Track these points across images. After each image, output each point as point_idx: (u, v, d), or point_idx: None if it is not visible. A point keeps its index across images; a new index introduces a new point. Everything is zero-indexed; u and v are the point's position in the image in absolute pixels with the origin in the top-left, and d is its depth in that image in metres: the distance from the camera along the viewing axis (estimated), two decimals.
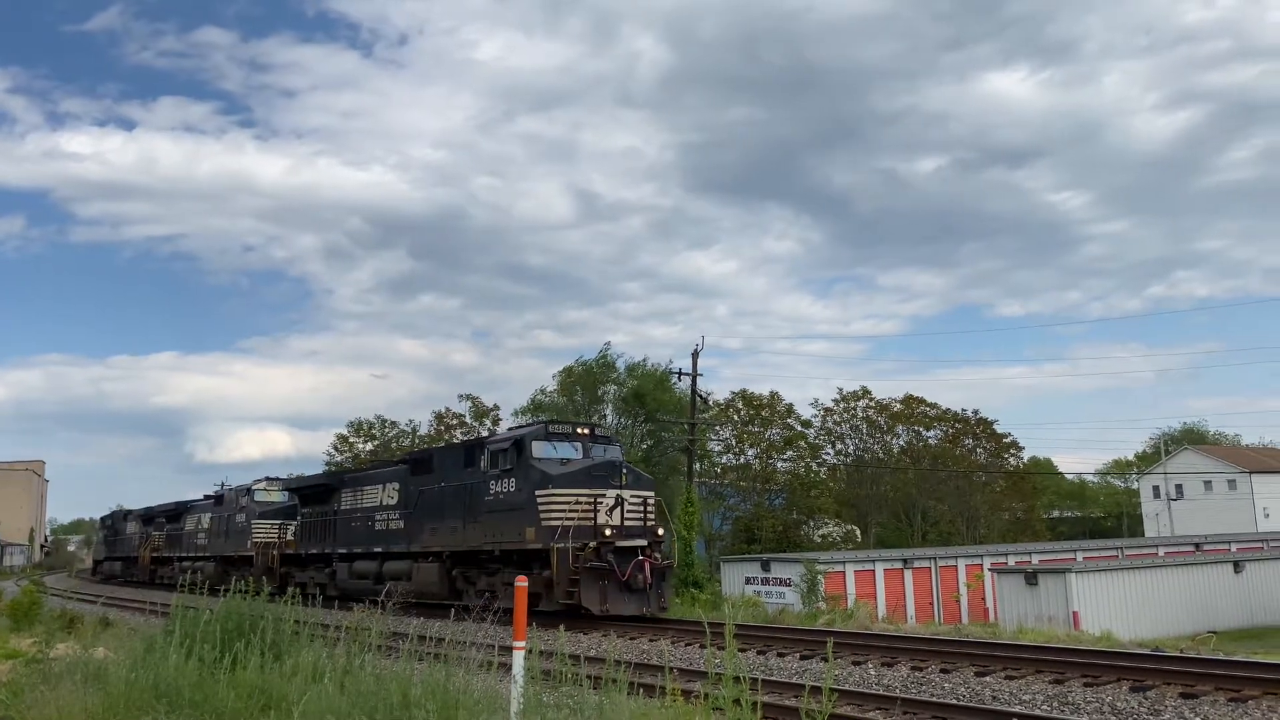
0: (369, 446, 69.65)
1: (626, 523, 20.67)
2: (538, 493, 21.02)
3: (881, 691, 12.00)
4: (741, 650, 14.02)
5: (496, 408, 70.19)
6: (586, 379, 55.29)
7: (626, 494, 21.03)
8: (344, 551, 29.50)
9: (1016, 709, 10.59)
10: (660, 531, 21.29)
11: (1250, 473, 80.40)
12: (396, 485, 27.50)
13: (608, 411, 56.14)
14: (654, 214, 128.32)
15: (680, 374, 46.75)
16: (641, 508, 21.39)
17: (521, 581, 8.86)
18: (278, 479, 44.27)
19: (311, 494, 33.53)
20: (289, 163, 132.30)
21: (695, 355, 44.20)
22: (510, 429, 25.68)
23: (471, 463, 24.07)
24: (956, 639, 16.14)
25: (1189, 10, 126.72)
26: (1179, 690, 10.70)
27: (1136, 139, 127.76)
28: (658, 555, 20.91)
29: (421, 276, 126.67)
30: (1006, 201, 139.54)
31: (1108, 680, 11.59)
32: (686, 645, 16.61)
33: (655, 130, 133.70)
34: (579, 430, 22.89)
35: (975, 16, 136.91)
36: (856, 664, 13.67)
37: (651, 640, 17.85)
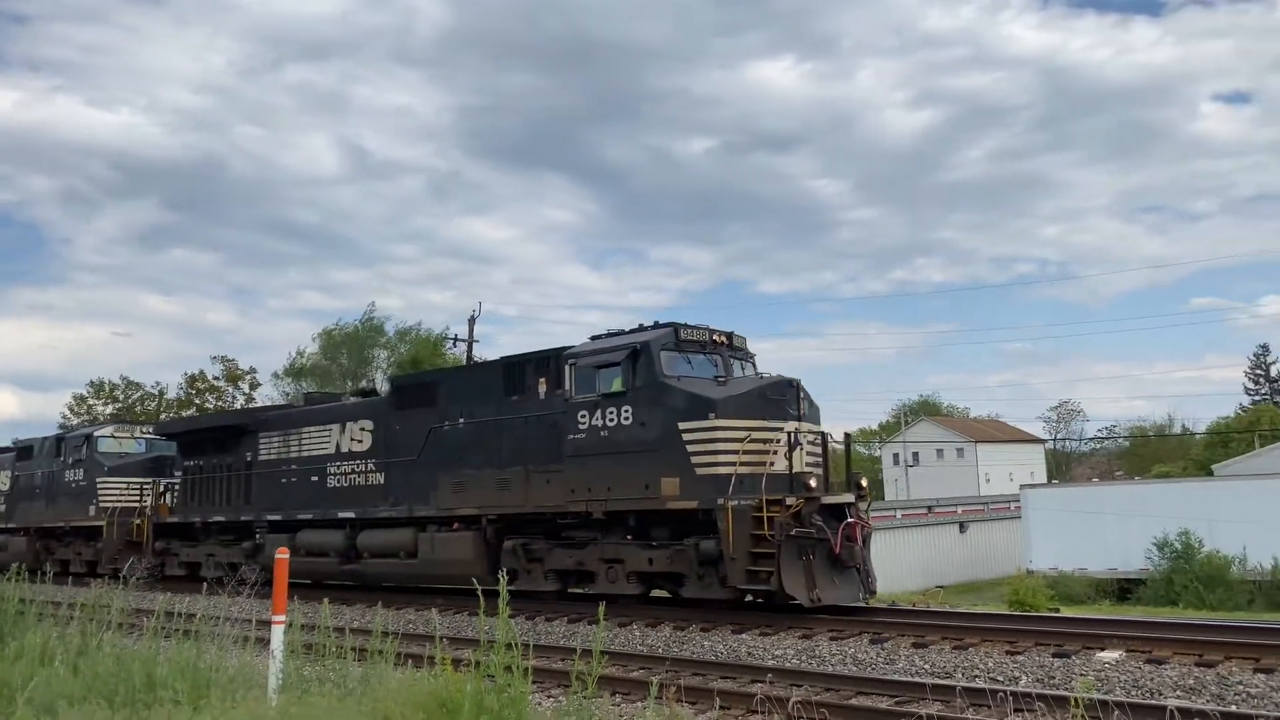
0: (110, 410, 64.08)
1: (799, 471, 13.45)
2: (686, 425, 13.36)
3: (646, 652, 11.74)
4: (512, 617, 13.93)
5: (254, 370, 66.25)
6: (352, 342, 53.14)
7: (805, 428, 13.90)
8: (277, 519, 19.97)
9: (769, 664, 11.34)
10: (864, 481, 14.47)
11: (975, 442, 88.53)
12: (367, 424, 18.68)
13: (378, 376, 54.21)
14: (430, 176, 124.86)
15: (456, 340, 45.64)
16: (820, 449, 14.25)
17: (283, 554, 7.76)
18: (134, 423, 33.27)
19: (202, 441, 23.17)
20: (20, 96, 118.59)
21: (472, 321, 41.56)
22: (600, 337, 15.54)
23: (518, 387, 15.83)
24: None
25: (934, 17, 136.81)
26: (911, 640, 11.15)
27: (886, 133, 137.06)
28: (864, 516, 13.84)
29: (174, 228, 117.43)
30: (770, 185, 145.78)
31: (850, 634, 11.76)
32: (455, 613, 15.62)
33: (433, 90, 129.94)
34: (715, 338, 14.92)
35: (746, 6, 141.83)
36: (622, 626, 13.37)
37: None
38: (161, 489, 24.72)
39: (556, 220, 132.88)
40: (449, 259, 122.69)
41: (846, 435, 14.91)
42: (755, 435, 13.26)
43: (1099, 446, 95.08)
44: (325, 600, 8.98)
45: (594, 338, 15.35)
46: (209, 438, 23.08)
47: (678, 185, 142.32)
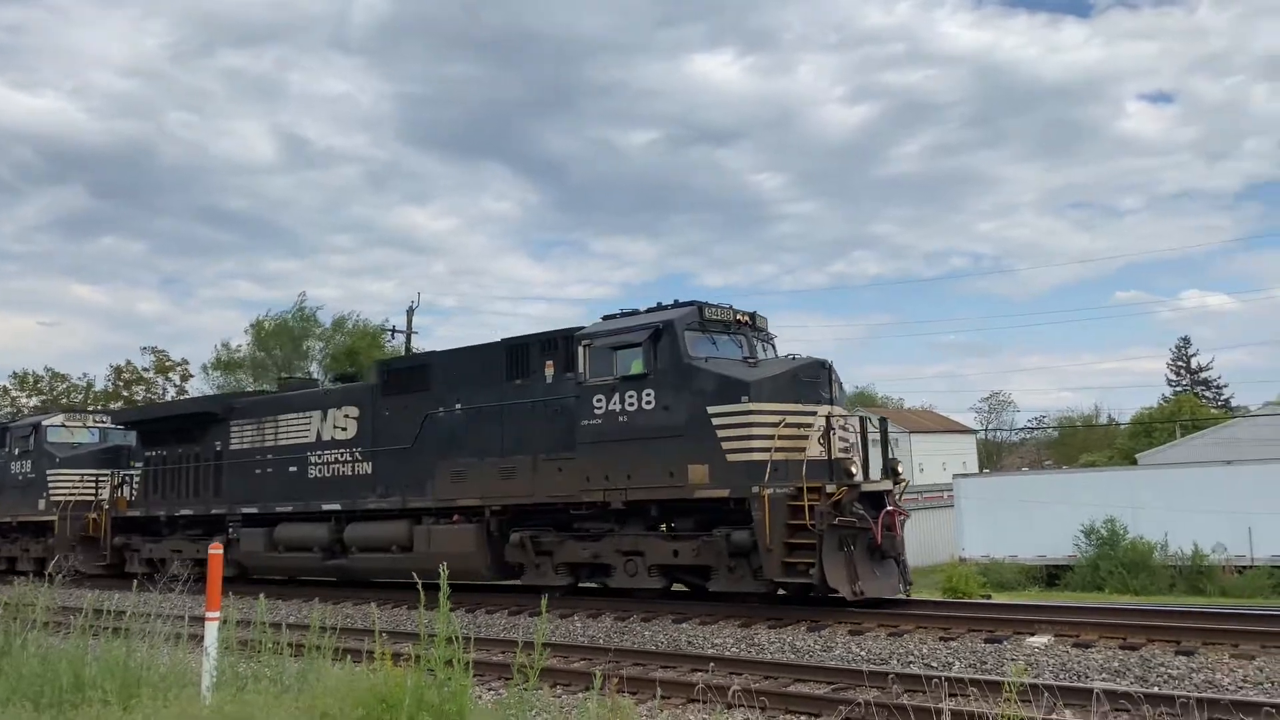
0: (34, 401, 62.08)
1: (837, 456, 12.85)
2: (716, 409, 12.63)
3: (588, 643, 11.76)
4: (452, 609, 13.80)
5: (185, 362, 64.65)
6: (281, 333, 51.72)
7: (837, 412, 13.28)
8: (253, 511, 18.75)
9: (710, 653, 11.43)
10: (900, 468, 13.79)
11: (910, 432, 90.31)
12: (351, 411, 17.54)
13: (314, 368, 53.12)
14: (368, 165, 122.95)
15: (395, 331, 45.26)
16: (857, 435, 13.51)
17: (216, 549, 7.66)
18: (86, 411, 30.82)
19: (165, 430, 21.59)
20: None
21: (410, 312, 40.89)
22: (614, 317, 14.64)
23: (522, 370, 14.89)
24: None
25: (872, 14, 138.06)
26: (848, 628, 11.33)
27: (825, 128, 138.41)
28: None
29: (102, 216, 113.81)
30: (711, 178, 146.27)
31: (789, 622, 11.86)
32: (406, 608, 16.13)
33: (371, 79, 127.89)
34: (739, 317, 14.14)
35: None
36: (564, 617, 13.26)
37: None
38: (119, 481, 23.04)
39: (497, 211, 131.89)
40: (387, 249, 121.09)
41: (883, 420, 14.08)
42: (790, 420, 12.50)
43: (1029, 436, 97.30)
44: (261, 595, 8.81)
45: (606, 317, 14.50)
46: (173, 426, 21.58)
47: (619, 177, 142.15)
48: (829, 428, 12.73)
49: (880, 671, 8.82)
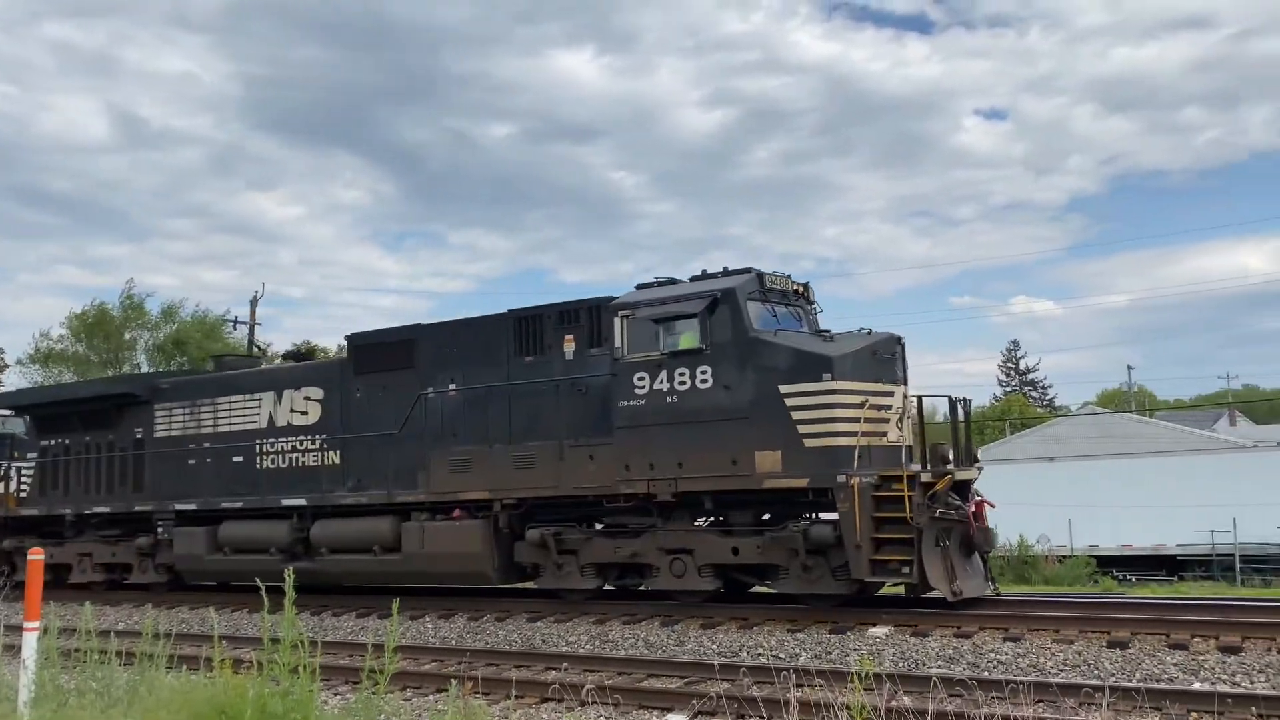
0: None
1: (934, 441, 11.75)
2: (790, 388, 11.18)
3: (439, 644, 11.57)
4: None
5: (2, 351, 60.23)
6: (104, 323, 48.33)
7: (909, 392, 12.23)
8: (189, 508, 16.20)
9: (564, 650, 11.49)
10: (979, 454, 12.59)
11: None
12: (313, 393, 15.39)
13: (141, 360, 50.10)
14: (211, 147, 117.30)
15: (237, 322, 43.32)
16: (919, 417, 12.14)
17: (36, 554, 7.03)
18: None
19: (68, 415, 18.58)
20: None
21: (254, 302, 39.17)
22: (649, 286, 12.93)
23: (535, 345, 13.31)
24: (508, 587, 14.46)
25: (728, 21, 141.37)
26: (700, 623, 11.47)
27: (683, 130, 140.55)
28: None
29: None
30: (570, 174, 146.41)
31: (642, 617, 11.92)
32: (233, 610, 14.82)
33: (215, 58, 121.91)
34: (795, 288, 12.82)
35: None
36: (414, 618, 13.01)
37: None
38: (4, 474, 19.71)
39: (348, 200, 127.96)
40: (230, 236, 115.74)
41: (966, 400, 12.41)
42: (872, 400, 11.32)
43: None
44: (87, 604, 8.26)
45: (641, 286, 12.88)
46: (78, 411, 18.62)
47: (476, 170, 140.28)
48: (918, 409, 11.71)
49: (731, 664, 9.00)
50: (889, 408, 11.63)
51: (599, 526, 13.00)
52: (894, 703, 7.19)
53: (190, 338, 44.74)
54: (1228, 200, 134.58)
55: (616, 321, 12.37)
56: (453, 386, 13.87)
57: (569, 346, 13.08)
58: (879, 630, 10.58)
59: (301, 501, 14.99)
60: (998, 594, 11.92)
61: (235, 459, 16.08)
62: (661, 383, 11.99)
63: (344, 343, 16.62)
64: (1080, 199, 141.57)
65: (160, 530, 16.66)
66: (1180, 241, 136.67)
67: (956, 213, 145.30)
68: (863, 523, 10.66)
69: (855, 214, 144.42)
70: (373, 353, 14.98)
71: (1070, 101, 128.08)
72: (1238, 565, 26.19)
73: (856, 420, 11.04)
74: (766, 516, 12.09)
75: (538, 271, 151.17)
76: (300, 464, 15.39)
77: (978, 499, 11.48)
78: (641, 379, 12.09)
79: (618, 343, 12.30)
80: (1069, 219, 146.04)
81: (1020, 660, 9.04)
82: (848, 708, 5.84)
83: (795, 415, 11.17)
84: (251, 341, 35.66)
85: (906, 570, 10.59)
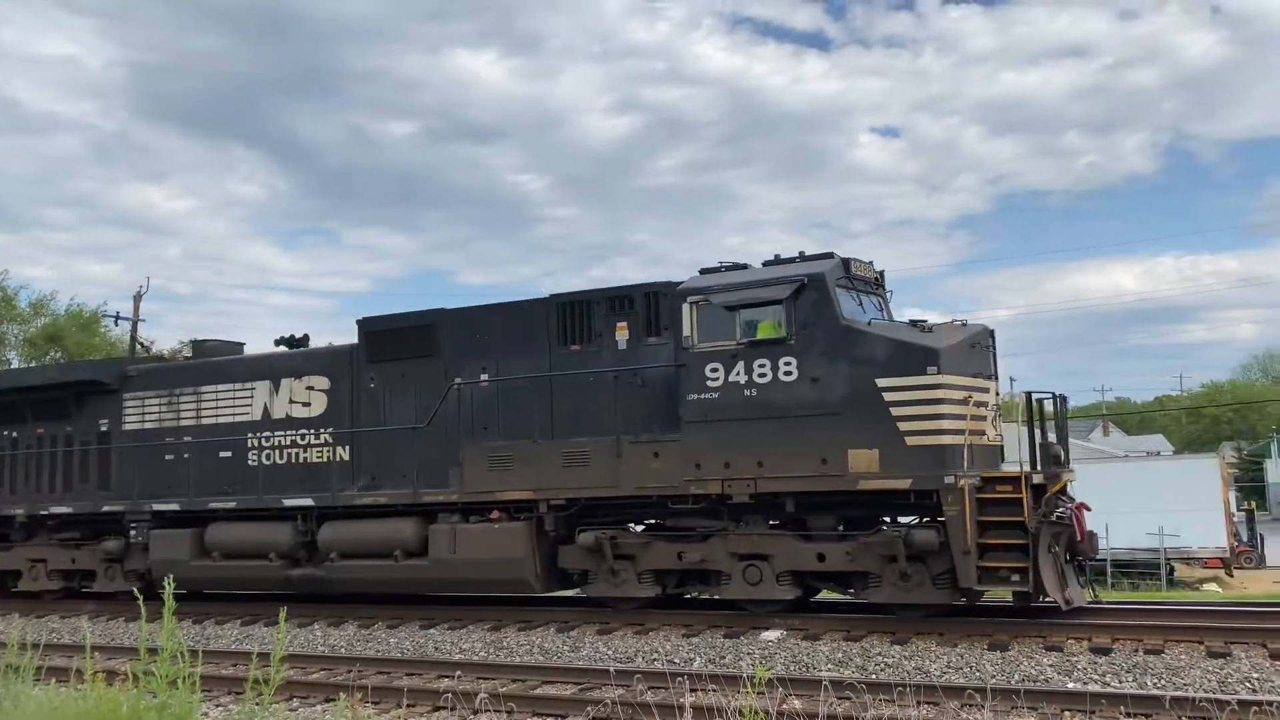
0: None
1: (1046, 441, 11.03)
2: (890, 382, 10.41)
3: (328, 652, 11.35)
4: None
5: None
6: None
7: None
8: (170, 509, 14.65)
9: (457, 658, 11.31)
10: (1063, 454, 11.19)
11: None
12: (318, 382, 14.15)
13: (12, 356, 47.43)
14: (95, 135, 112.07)
15: (118, 317, 41.47)
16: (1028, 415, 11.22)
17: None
18: None
19: (16, 404, 16.73)
20: None
21: (138, 298, 37.79)
22: (713, 270, 12.02)
23: (582, 333, 12.38)
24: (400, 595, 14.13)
25: (636, 30, 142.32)
26: (597, 628, 11.40)
27: (588, 135, 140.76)
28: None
29: None
30: (472, 175, 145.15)
31: (538, 624, 11.90)
32: (108, 620, 14.12)
33: (102, 43, 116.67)
34: (875, 275, 11.98)
35: None
36: (302, 625, 12.72)
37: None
38: None
39: (242, 194, 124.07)
40: (115, 229, 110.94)
41: (1063, 397, 11.57)
42: (975, 396, 10.62)
43: None
44: None
45: (705, 271, 11.94)
46: (27, 400, 16.73)
47: (376, 167, 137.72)
48: (1027, 405, 11.04)
49: (626, 670, 9.01)
50: (986, 404, 10.93)
51: (638, 529, 12.24)
52: (785, 706, 7.30)
53: (65, 332, 42.68)
54: (1104, 221, 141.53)
55: (685, 308, 11.43)
56: (484, 376, 12.76)
57: (621, 335, 12.14)
58: (771, 634, 10.73)
59: (308, 501, 13.55)
60: (1098, 601, 11.40)
61: (222, 454, 14.63)
62: (738, 374, 11.08)
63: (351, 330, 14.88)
64: (968, 217, 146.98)
65: (134, 533, 14.96)
66: (1060, 259, 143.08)
67: (852, 225, 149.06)
68: (971, 527, 9.97)
69: (757, 223, 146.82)
70: (390, 339, 13.71)
71: (960, 122, 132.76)
72: (1109, 570, 27.48)
73: (962, 417, 10.31)
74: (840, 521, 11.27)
75: (438, 272, 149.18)
76: (302, 460, 14.05)
77: (1076, 503, 10.85)
78: (715, 370, 11.21)
79: (686, 331, 11.39)
80: (956, 235, 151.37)
81: (907, 663, 9.28)
82: (740, 712, 5.91)
83: (895, 411, 10.36)
84: (134, 338, 34.16)
85: (1017, 578, 9.96)
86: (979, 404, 10.63)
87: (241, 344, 16.98)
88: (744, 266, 11.84)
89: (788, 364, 10.89)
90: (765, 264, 11.74)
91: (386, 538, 12.82)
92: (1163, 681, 8.20)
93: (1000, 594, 10.91)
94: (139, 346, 34.85)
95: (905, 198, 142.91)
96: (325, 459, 13.88)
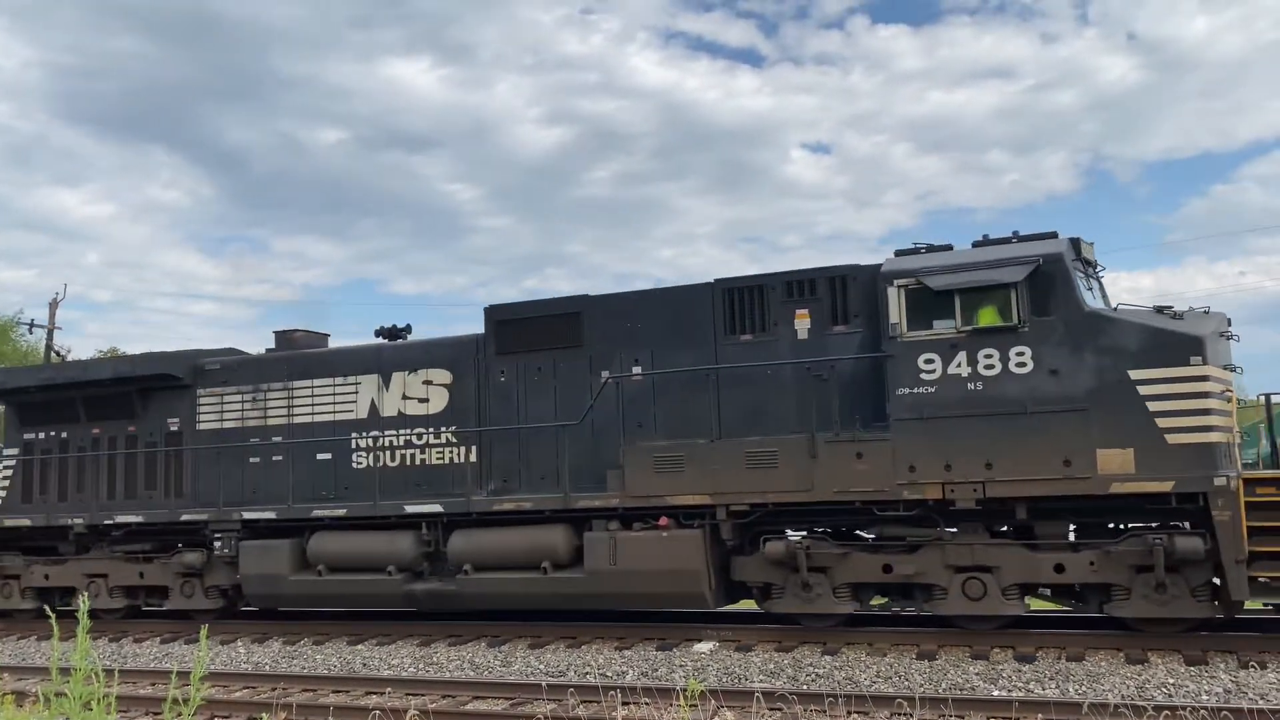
0: None
1: None
2: (1146, 373, 9.42)
3: (252, 670, 11.08)
4: (96, 638, 12.21)
5: None
6: None
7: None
8: (266, 517, 13.19)
9: (386, 674, 11.09)
10: None
11: None
12: (438, 375, 12.90)
13: None
14: (9, 137, 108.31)
15: (33, 325, 40.10)
16: None
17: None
18: None
19: (69, 401, 15.08)
20: None
21: (54, 305, 37.34)
22: (909, 252, 10.91)
23: (752, 322, 11.40)
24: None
25: (568, 42, 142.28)
26: (529, 642, 11.38)
27: (521, 146, 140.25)
28: None
29: None
30: (404, 184, 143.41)
31: (469, 638, 11.80)
32: (18, 639, 13.60)
33: (15, 42, 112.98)
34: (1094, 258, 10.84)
35: (383, 1, 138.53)
36: (225, 643, 12.48)
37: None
38: None
39: (164, 200, 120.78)
40: (28, 233, 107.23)
41: (1268, 397, 10.73)
42: (1229, 390, 9.73)
43: None
44: None
45: (900, 253, 10.96)
46: (82, 396, 14.99)
47: (305, 175, 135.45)
48: (1267, 407, 10.22)
49: (559, 685, 8.95)
50: (1232, 399, 9.95)
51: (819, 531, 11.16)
52: (718, 718, 7.32)
53: None
54: None
55: (892, 292, 10.34)
56: (637, 369, 11.70)
57: (801, 323, 11.18)
58: (704, 646, 10.78)
59: (436, 508, 12.16)
60: None
61: (320, 456, 13.27)
62: (959, 366, 10.00)
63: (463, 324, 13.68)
64: (897, 231, 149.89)
65: (219, 545, 13.41)
66: None
67: (783, 240, 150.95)
68: (1245, 533, 9.02)
69: (689, 236, 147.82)
70: (525, 328, 12.53)
71: (889, 139, 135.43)
72: None
73: (1227, 413, 9.42)
74: (1073, 528, 10.30)
75: (370, 281, 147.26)
76: (419, 462, 12.77)
77: None
78: (930, 362, 10.11)
79: (894, 318, 10.30)
80: (885, 250, 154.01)
81: (837, 673, 9.36)
82: None
83: (1152, 405, 9.35)
84: (50, 346, 33.07)
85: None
86: (1229, 394, 9.71)
87: (327, 335, 15.41)
88: (948, 248, 10.79)
89: (1020, 354, 9.84)
90: (975, 244, 10.73)
91: (532, 547, 11.57)
92: (1083, 688, 8.39)
93: (1252, 605, 9.96)
94: (54, 355, 33.79)
95: (836, 212, 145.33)
96: (447, 460, 12.66)
